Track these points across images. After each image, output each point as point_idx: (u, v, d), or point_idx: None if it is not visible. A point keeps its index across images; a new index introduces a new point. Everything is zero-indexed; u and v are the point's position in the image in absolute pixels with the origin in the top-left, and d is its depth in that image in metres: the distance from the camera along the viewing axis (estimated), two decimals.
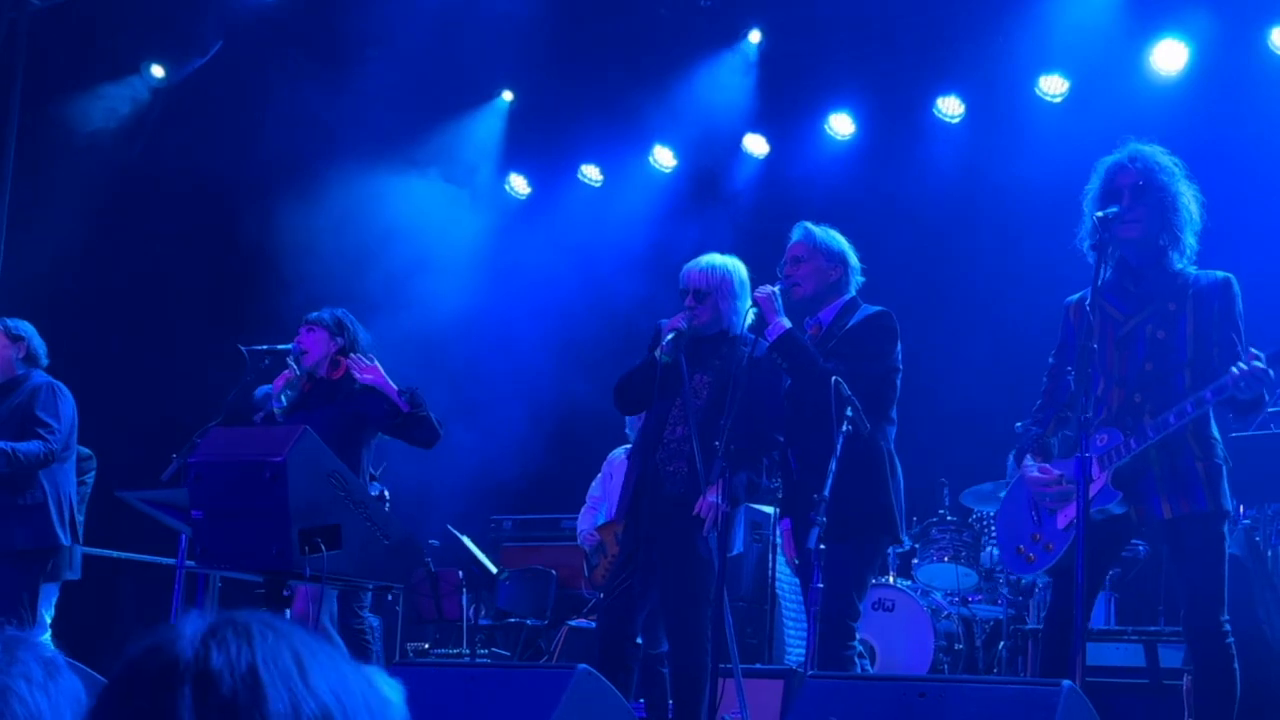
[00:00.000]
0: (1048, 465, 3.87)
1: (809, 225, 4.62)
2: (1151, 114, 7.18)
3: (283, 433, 4.27)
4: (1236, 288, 3.81)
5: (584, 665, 3.45)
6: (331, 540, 4.12)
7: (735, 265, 4.84)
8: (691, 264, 4.85)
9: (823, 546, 3.63)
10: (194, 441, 5.01)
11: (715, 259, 4.84)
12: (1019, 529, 3.95)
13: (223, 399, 5.41)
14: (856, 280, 4.62)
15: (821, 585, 3.63)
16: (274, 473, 4.06)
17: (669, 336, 4.62)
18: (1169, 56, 7.46)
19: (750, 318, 4.46)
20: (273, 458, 4.09)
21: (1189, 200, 3.85)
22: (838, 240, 4.62)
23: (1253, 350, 3.55)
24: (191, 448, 4.98)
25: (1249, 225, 6.40)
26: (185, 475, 4.99)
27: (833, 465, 3.73)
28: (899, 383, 4.47)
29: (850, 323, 4.47)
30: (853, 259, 4.62)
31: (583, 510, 6.95)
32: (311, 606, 4.98)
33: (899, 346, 4.48)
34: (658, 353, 4.67)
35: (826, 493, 3.67)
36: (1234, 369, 3.51)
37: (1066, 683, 2.70)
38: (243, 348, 5.28)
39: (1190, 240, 3.83)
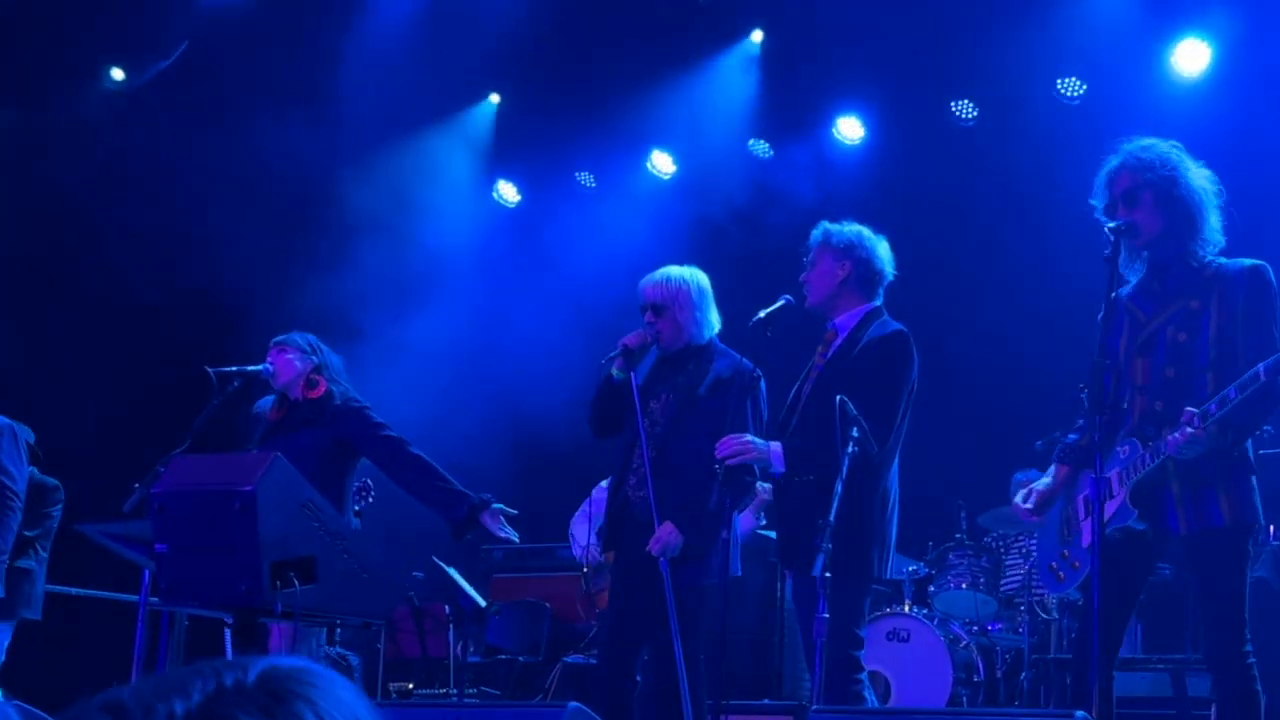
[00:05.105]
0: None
1: (826, 224, 4.54)
2: (1172, 116, 7.19)
3: (252, 460, 4.27)
4: (1269, 275, 3.69)
5: (575, 703, 3.45)
6: (306, 574, 4.12)
7: (693, 274, 4.87)
8: (647, 278, 4.87)
9: (828, 575, 3.63)
10: (157, 470, 5.01)
11: (671, 270, 4.87)
12: (1052, 545, 4.01)
13: (187, 424, 5.38)
14: (883, 279, 4.48)
15: (828, 615, 3.63)
16: (243, 503, 4.06)
17: (616, 352, 4.70)
18: (1191, 57, 7.50)
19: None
20: (242, 486, 4.09)
21: (1195, 179, 3.79)
22: (849, 235, 4.47)
23: (1190, 409, 3.46)
24: (155, 477, 4.98)
25: (1274, 228, 6.40)
26: (148, 506, 4.99)
27: (838, 488, 3.72)
28: (907, 410, 4.33)
29: (865, 338, 4.37)
30: (871, 251, 4.46)
31: (575, 517, 6.86)
32: (286, 645, 4.98)
33: (914, 373, 4.34)
34: (613, 370, 4.74)
35: (832, 518, 3.67)
36: (1174, 435, 3.50)
37: (1079, 713, 2.70)
38: (210, 370, 5.27)
39: (1211, 221, 3.77)
